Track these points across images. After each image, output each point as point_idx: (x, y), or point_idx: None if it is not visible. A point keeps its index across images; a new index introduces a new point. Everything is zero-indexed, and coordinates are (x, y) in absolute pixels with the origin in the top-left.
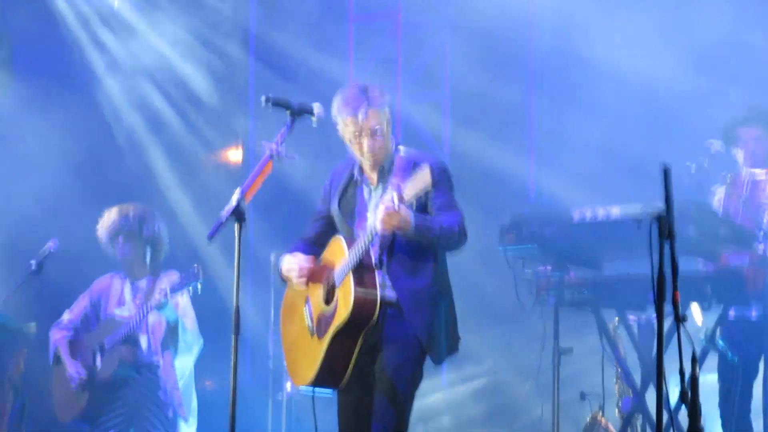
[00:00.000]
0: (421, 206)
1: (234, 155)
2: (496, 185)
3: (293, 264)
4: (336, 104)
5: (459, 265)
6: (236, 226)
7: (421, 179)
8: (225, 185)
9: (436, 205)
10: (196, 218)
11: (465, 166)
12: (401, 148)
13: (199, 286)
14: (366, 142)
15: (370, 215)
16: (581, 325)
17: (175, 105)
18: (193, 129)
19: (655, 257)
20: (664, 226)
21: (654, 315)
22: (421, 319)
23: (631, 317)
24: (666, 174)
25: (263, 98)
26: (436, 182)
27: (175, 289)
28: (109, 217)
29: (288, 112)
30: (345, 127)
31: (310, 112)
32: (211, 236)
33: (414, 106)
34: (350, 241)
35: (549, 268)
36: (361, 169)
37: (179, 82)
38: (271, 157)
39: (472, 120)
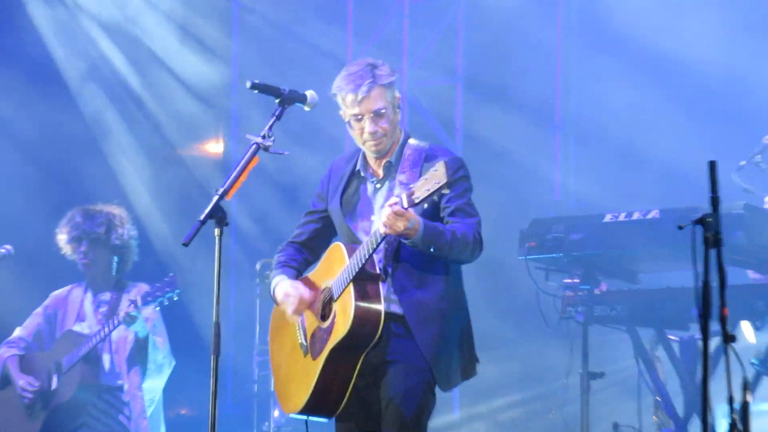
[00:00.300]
0: (432, 208)
1: (214, 148)
2: (515, 183)
3: (292, 292)
4: (337, 80)
5: (470, 276)
6: (216, 230)
7: (435, 177)
8: (203, 182)
9: (450, 208)
10: (167, 220)
11: (479, 161)
12: (412, 140)
13: (174, 297)
14: (368, 126)
15: (374, 217)
16: (614, 345)
17: (145, 88)
18: (166, 117)
19: (700, 267)
20: (710, 230)
21: (698, 334)
22: (429, 337)
23: (672, 336)
24: (712, 169)
25: (248, 83)
26: (451, 181)
27: (147, 301)
28: (72, 219)
29: (276, 99)
30: (345, 107)
31: (302, 100)
32: (187, 241)
33: (422, 90)
34: (351, 248)
35: (576, 279)
36: (365, 162)
37: (149, 60)
38: (257, 151)
39: (488, 107)
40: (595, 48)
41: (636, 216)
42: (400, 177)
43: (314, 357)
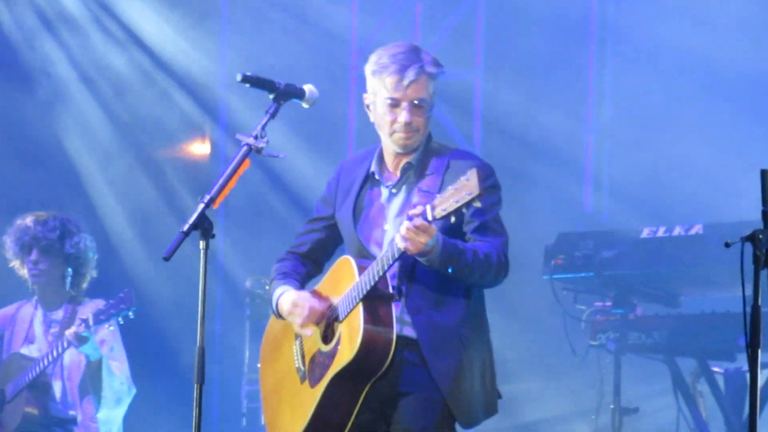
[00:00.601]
0: (456, 222)
1: (199, 149)
2: (540, 192)
3: (302, 302)
4: (376, 60)
5: (488, 296)
6: (201, 242)
7: (466, 187)
8: (186, 188)
9: (474, 223)
10: (142, 231)
11: (500, 166)
12: (434, 142)
13: (130, 315)
14: (404, 115)
15: (388, 226)
16: (650, 377)
17: (116, 77)
18: (144, 112)
19: (749, 290)
20: (761, 248)
21: (745, 365)
22: (446, 367)
23: (716, 368)
24: (765, 179)
25: (239, 75)
26: (480, 194)
27: (100, 320)
28: (21, 227)
29: (271, 95)
30: (381, 90)
31: (300, 96)
32: (168, 255)
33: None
34: (361, 264)
35: (609, 302)
36: (380, 163)
37: (122, 44)
38: (248, 153)
39: (510, 106)
40: (630, 52)
41: (677, 231)
42: (420, 184)
43: (312, 384)
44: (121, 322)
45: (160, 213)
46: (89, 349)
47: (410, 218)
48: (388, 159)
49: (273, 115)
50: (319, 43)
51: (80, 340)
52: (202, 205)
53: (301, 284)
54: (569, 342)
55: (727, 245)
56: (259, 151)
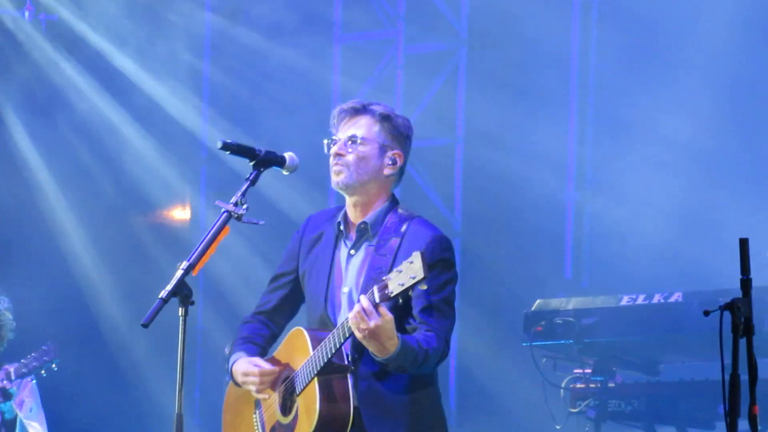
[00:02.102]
0: (404, 300)
1: (179, 214)
2: (520, 259)
3: (252, 370)
4: None
5: (470, 364)
6: (180, 309)
7: (410, 270)
8: (166, 254)
9: (422, 303)
10: (121, 296)
11: (481, 232)
12: (400, 209)
13: (54, 367)
14: (334, 148)
15: (346, 289)
16: None
17: (97, 142)
18: (122, 176)
19: (728, 358)
20: (740, 317)
21: None
22: None
23: None
24: (743, 248)
25: (220, 143)
26: (430, 267)
27: (22, 373)
28: None
29: (251, 162)
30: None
31: (280, 164)
32: (146, 322)
33: (415, 153)
34: (315, 337)
35: (588, 370)
36: (345, 219)
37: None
38: (228, 220)
39: (490, 171)
40: (610, 122)
41: (657, 299)
42: (377, 249)
43: None
44: (44, 374)
45: (139, 279)
46: (6, 407)
47: (353, 306)
48: (350, 215)
49: (253, 182)
50: (301, 108)
51: (4, 395)
52: (181, 272)
53: (262, 348)
54: (549, 409)
55: (706, 314)
56: (239, 218)
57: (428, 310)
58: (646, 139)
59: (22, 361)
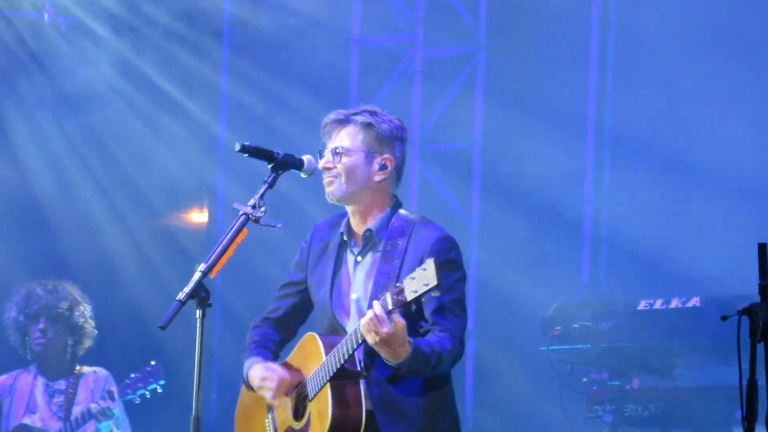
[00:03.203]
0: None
1: (197, 217)
2: (537, 263)
3: (269, 375)
4: None
5: (486, 368)
6: (198, 312)
7: (423, 277)
8: (183, 257)
9: (434, 304)
10: (142, 299)
11: (499, 237)
12: (402, 210)
13: (158, 389)
14: (322, 162)
15: (354, 296)
16: None
17: (116, 146)
18: (143, 181)
19: (745, 363)
20: (758, 322)
21: None
22: None
23: None
24: (762, 252)
25: (238, 145)
26: (438, 283)
27: (126, 393)
28: (30, 294)
29: (269, 164)
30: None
31: (298, 166)
32: (164, 324)
33: (433, 157)
34: (327, 343)
35: (605, 374)
36: (348, 226)
37: (122, 115)
38: (245, 222)
39: (509, 174)
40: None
41: (674, 304)
42: (384, 255)
43: None
44: (148, 396)
45: (157, 281)
46: (104, 427)
47: (363, 315)
48: (352, 224)
49: (271, 185)
50: (318, 111)
51: (106, 415)
52: (198, 274)
53: (274, 353)
54: (565, 413)
55: (723, 318)
56: (257, 220)
57: (440, 311)
58: (663, 145)
59: (127, 381)
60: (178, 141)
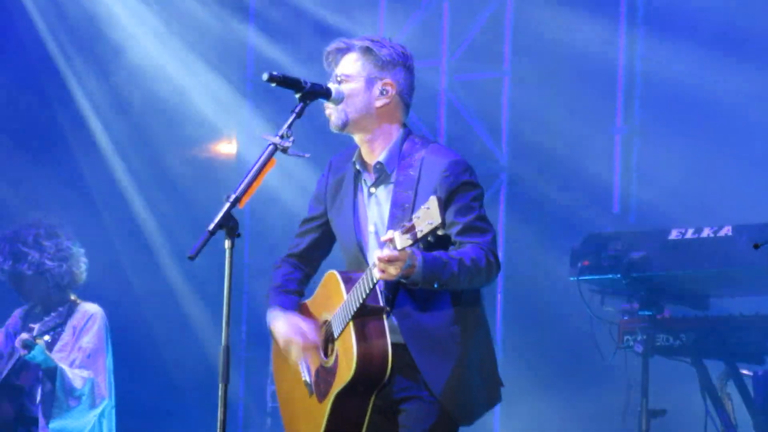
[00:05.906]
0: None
1: (225, 148)
2: (567, 193)
3: (295, 338)
4: None
5: (516, 298)
6: (227, 242)
7: (427, 216)
8: (211, 188)
9: (458, 226)
10: (168, 230)
11: (528, 166)
12: (415, 136)
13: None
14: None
15: (372, 228)
16: (678, 379)
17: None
18: (170, 113)
19: None
20: None
21: None
22: (439, 369)
23: (745, 371)
24: None
25: (265, 75)
26: (452, 199)
27: (41, 331)
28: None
29: (297, 94)
30: None
31: (326, 95)
32: (193, 255)
33: (462, 86)
34: (348, 279)
35: (636, 304)
36: (361, 159)
37: (145, 47)
38: (273, 152)
39: (539, 106)
40: (664, 36)
41: (706, 233)
42: (397, 186)
43: (320, 399)
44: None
45: (184, 213)
46: (38, 357)
47: (381, 245)
48: (363, 154)
49: (299, 115)
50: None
51: (26, 346)
52: (227, 204)
53: (298, 293)
54: (596, 344)
55: (755, 247)
56: (285, 150)
57: (464, 231)
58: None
59: (46, 319)
60: (204, 73)
